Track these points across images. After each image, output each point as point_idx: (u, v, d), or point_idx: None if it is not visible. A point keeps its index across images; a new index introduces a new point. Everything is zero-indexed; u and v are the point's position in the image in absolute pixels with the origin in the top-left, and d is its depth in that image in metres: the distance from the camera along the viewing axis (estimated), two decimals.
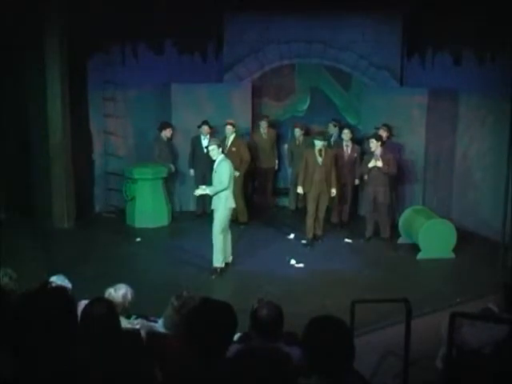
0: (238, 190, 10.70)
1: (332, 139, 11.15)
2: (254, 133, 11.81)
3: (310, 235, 9.96)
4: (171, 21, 11.10)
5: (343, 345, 2.72)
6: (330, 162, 9.87)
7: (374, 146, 9.74)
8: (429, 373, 5.56)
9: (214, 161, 8.54)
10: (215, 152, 8.41)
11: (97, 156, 11.72)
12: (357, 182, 10.74)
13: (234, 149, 10.75)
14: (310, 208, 9.92)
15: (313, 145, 9.89)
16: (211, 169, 8.78)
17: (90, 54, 11.14)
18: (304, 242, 9.96)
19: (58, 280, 5.05)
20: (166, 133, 11.30)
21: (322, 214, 10.04)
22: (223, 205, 8.40)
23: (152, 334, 4.20)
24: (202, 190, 8.56)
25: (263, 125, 11.65)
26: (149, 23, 11.03)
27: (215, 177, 8.45)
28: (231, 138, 10.87)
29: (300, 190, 9.98)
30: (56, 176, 10.48)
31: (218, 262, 8.50)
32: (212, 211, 8.61)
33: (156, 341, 4.03)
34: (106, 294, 4.74)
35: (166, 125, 11.31)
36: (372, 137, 9.88)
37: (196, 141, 11.24)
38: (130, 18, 10.73)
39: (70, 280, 5.25)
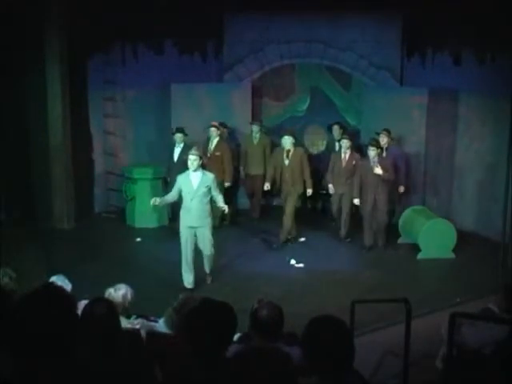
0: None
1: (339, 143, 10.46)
2: (246, 137, 11.28)
3: (292, 233, 10.02)
4: (171, 21, 11.08)
5: (343, 345, 2.72)
6: (298, 162, 9.74)
7: (374, 153, 9.42)
8: (429, 373, 5.56)
9: (186, 169, 7.99)
10: (196, 163, 7.79)
11: (97, 156, 11.71)
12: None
13: (217, 153, 10.28)
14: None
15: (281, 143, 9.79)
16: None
17: (90, 54, 11.13)
18: (289, 237, 10.05)
19: (58, 280, 5.06)
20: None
21: (287, 214, 9.76)
22: (209, 223, 8.02)
23: (152, 333, 4.20)
24: (223, 206, 7.97)
25: (255, 129, 11.00)
26: (149, 23, 11.02)
27: (202, 190, 7.83)
28: (215, 141, 10.38)
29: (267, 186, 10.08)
30: (56, 176, 10.48)
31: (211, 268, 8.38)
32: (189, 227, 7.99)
33: (156, 341, 4.04)
34: (106, 294, 4.75)
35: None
36: (371, 144, 9.53)
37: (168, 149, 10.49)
38: (130, 18, 10.72)
39: (70, 280, 5.26)
